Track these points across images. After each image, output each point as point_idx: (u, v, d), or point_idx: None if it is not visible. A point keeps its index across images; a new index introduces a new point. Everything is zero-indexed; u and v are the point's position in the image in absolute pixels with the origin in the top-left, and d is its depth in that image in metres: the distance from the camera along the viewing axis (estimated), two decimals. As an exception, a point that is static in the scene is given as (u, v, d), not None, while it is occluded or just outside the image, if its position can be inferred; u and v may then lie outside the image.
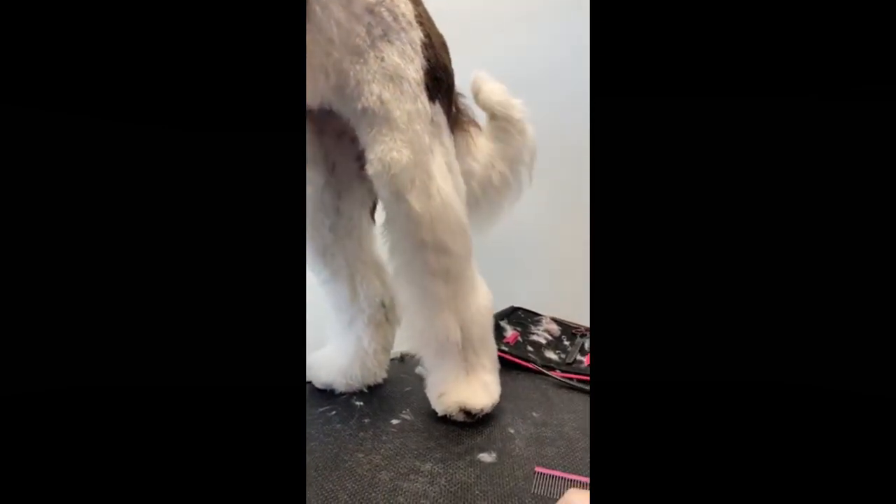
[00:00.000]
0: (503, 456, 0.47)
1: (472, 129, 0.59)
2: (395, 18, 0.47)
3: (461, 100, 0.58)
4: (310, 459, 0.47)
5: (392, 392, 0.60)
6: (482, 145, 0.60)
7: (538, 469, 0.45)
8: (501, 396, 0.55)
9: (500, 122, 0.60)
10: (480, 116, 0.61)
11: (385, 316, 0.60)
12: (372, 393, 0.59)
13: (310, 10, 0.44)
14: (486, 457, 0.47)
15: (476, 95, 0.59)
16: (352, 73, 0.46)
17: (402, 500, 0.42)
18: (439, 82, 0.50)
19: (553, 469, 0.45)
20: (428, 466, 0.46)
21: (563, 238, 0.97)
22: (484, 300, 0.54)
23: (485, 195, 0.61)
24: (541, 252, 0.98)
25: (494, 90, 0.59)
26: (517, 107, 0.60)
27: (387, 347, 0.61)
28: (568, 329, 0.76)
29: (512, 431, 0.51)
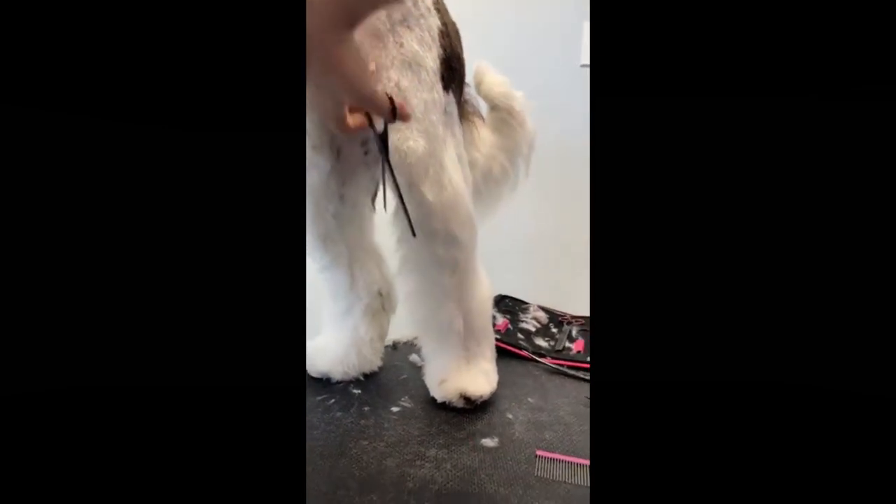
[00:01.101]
0: (504, 440, 0.49)
1: (477, 121, 0.59)
2: (415, 3, 0.46)
3: (467, 90, 0.58)
4: (315, 447, 0.47)
5: (388, 380, 0.60)
6: (485, 136, 0.60)
7: (539, 452, 0.47)
8: (498, 383, 0.57)
9: (501, 113, 0.61)
10: (484, 108, 0.61)
11: (381, 304, 0.60)
12: (368, 381, 0.60)
13: None
14: (489, 441, 0.49)
15: (478, 86, 0.59)
16: (371, 58, 0.44)
17: (410, 485, 0.43)
18: (453, 72, 0.50)
19: (553, 452, 0.48)
20: (433, 452, 0.47)
21: (547, 228, 0.99)
22: (486, 291, 0.56)
23: (486, 186, 0.61)
24: (524, 241, 1.01)
25: (497, 81, 0.59)
26: (518, 99, 0.61)
27: (382, 336, 0.61)
28: (555, 317, 0.79)
29: (511, 417, 0.53)
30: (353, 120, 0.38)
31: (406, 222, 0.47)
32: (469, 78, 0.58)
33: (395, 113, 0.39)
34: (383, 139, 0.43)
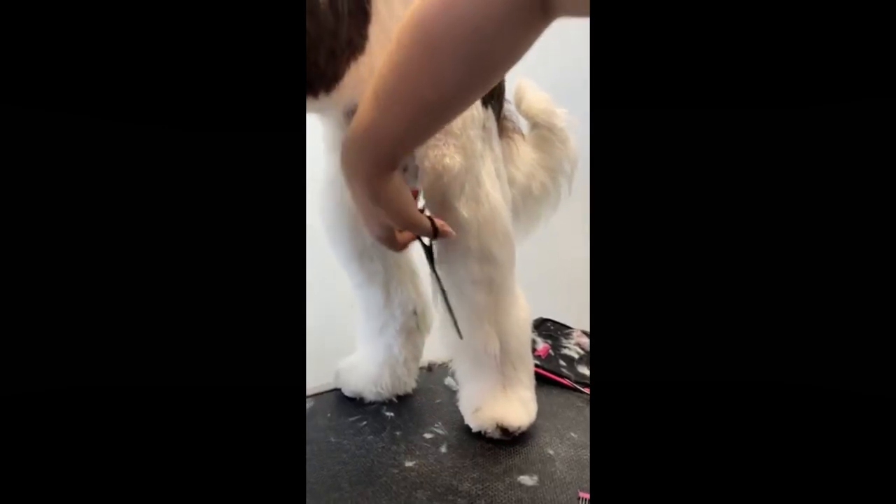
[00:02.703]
0: (544, 478, 0.45)
1: (517, 137, 0.58)
2: (454, 19, 0.46)
3: (506, 105, 0.57)
4: (343, 472, 0.46)
5: (422, 403, 0.58)
6: (525, 153, 0.58)
7: (582, 494, 0.43)
8: (537, 414, 0.53)
9: (542, 130, 0.59)
10: (523, 124, 0.60)
11: (416, 324, 0.59)
12: (402, 403, 0.58)
13: (375, 7, 0.43)
14: (527, 479, 0.45)
15: (519, 103, 0.58)
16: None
17: (441, 521, 0.40)
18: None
19: (599, 495, 0.43)
20: (466, 486, 0.44)
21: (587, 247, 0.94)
22: (524, 313, 0.53)
23: (524, 205, 0.59)
24: (566, 261, 0.96)
25: (538, 98, 0.58)
26: (560, 116, 0.59)
27: (417, 356, 0.60)
28: (600, 345, 0.74)
29: (551, 452, 0.49)
30: (402, 237, 0.43)
31: (453, 325, 0.49)
32: (509, 95, 0.57)
33: (436, 232, 0.43)
34: (429, 253, 0.47)
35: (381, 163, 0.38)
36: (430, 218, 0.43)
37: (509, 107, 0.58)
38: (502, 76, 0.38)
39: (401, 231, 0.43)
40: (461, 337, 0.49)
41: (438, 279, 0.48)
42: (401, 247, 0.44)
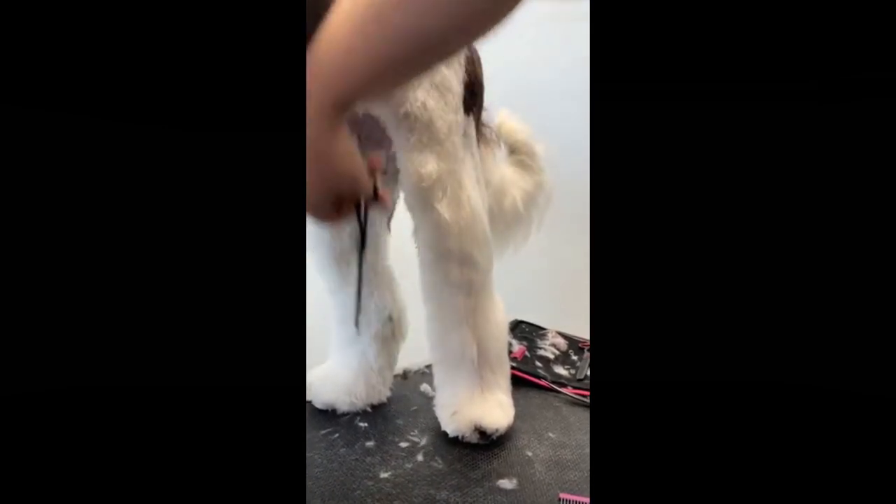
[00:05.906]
0: (524, 481, 0.45)
1: (493, 146, 0.59)
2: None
3: (483, 114, 0.58)
4: (315, 488, 0.44)
5: (397, 412, 0.57)
6: (503, 168, 0.60)
7: (562, 495, 0.43)
8: (514, 416, 0.53)
9: (521, 156, 0.61)
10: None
11: (392, 331, 0.57)
12: (376, 413, 0.56)
13: None
14: (507, 483, 0.45)
15: (498, 129, 0.60)
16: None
17: (420, 532, 0.39)
18: (475, 97, 0.51)
19: (578, 495, 0.43)
20: (444, 495, 0.43)
21: (564, 249, 0.96)
22: (501, 315, 0.53)
23: (492, 222, 0.59)
24: (540, 262, 0.97)
25: (519, 129, 0.61)
26: (538, 149, 0.62)
27: (392, 364, 0.58)
28: (574, 343, 0.75)
29: (530, 454, 0.49)
30: (341, 209, 0.40)
31: (354, 316, 0.49)
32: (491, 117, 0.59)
33: (376, 194, 0.42)
34: (363, 235, 0.46)
35: (344, 98, 0.33)
36: (374, 182, 0.41)
37: (487, 114, 0.58)
38: None
39: (342, 198, 0.38)
40: (358, 333, 0.50)
41: (361, 266, 0.47)
42: (335, 216, 0.40)
